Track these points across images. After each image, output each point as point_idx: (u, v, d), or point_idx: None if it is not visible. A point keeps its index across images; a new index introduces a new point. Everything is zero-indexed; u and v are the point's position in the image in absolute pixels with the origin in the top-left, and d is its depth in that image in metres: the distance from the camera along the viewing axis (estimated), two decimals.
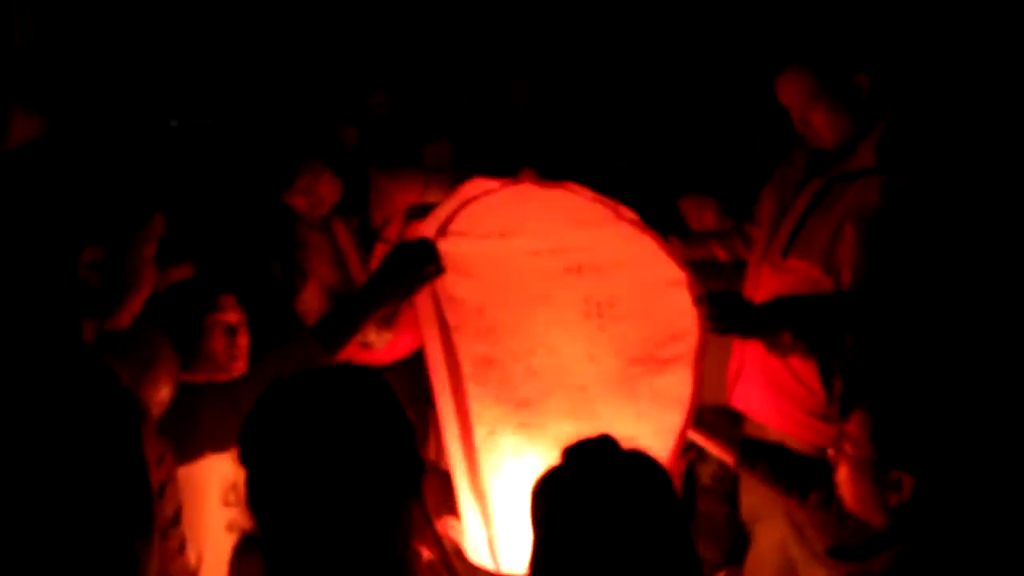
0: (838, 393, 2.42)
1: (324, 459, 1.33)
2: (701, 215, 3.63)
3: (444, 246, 2.05)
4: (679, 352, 2.23)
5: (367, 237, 2.97)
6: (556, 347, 2.12)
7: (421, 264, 2.01)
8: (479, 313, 2.08)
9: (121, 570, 1.33)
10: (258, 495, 1.37)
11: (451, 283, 2.07)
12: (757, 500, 2.66)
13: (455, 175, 2.93)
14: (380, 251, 2.89)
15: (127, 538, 1.34)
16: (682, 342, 2.24)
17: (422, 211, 2.77)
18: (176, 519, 1.64)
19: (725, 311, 2.26)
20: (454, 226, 2.09)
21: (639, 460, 1.52)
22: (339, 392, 1.40)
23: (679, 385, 2.22)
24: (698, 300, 2.20)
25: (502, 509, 2.10)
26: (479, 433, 2.12)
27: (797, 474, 2.17)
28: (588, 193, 2.25)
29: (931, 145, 2.44)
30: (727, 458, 2.25)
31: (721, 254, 2.86)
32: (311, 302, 2.91)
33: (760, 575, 2.68)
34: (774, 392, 2.54)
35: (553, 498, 1.50)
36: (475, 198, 2.16)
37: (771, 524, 2.61)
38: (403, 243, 2.04)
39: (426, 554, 1.79)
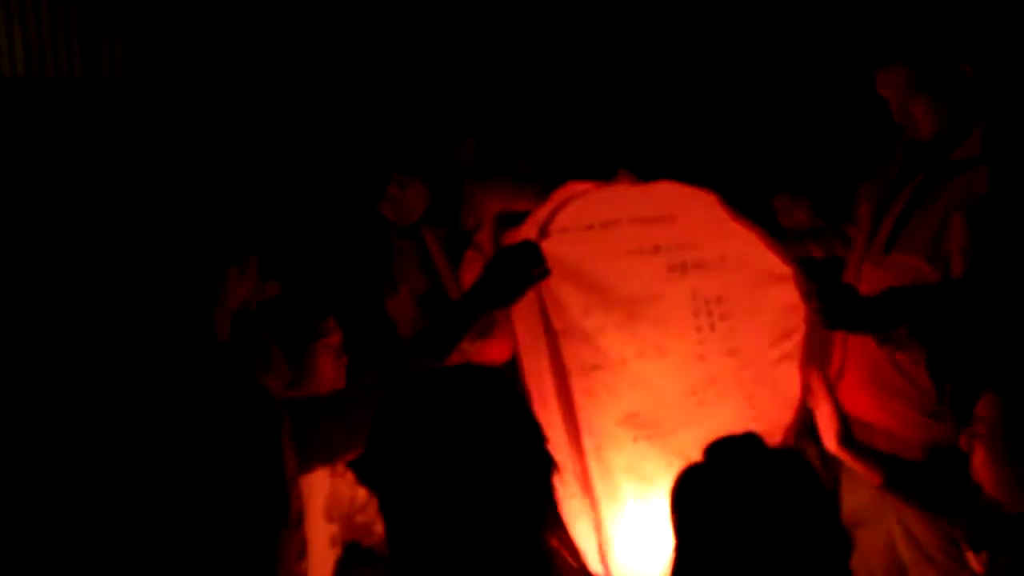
0: (949, 389, 2.35)
1: (458, 459, 1.31)
2: (793, 213, 3.55)
3: (547, 247, 1.98)
4: (789, 350, 2.17)
5: (457, 245, 2.94)
6: (665, 349, 2.05)
7: (526, 267, 1.95)
8: (585, 315, 2.01)
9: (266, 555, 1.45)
10: (391, 501, 1.35)
11: (555, 286, 2.00)
12: (862, 503, 2.57)
13: (543, 182, 2.97)
14: (470, 258, 2.86)
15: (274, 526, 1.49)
16: (791, 339, 2.18)
17: (512, 219, 2.77)
18: (298, 523, 1.63)
19: (835, 305, 2.18)
20: (555, 225, 2.03)
21: (788, 457, 1.47)
22: (467, 391, 1.38)
23: (790, 384, 2.16)
24: (807, 295, 2.13)
25: (614, 519, 2.03)
26: (588, 445, 2.05)
27: (945, 499, 2.09)
28: (688, 188, 2.19)
29: None
30: (873, 477, 2.17)
31: (817, 252, 2.77)
32: (403, 310, 2.91)
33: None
34: (880, 390, 2.43)
35: (697, 498, 1.44)
36: (573, 198, 2.11)
37: (877, 527, 2.51)
38: (506, 247, 1.98)
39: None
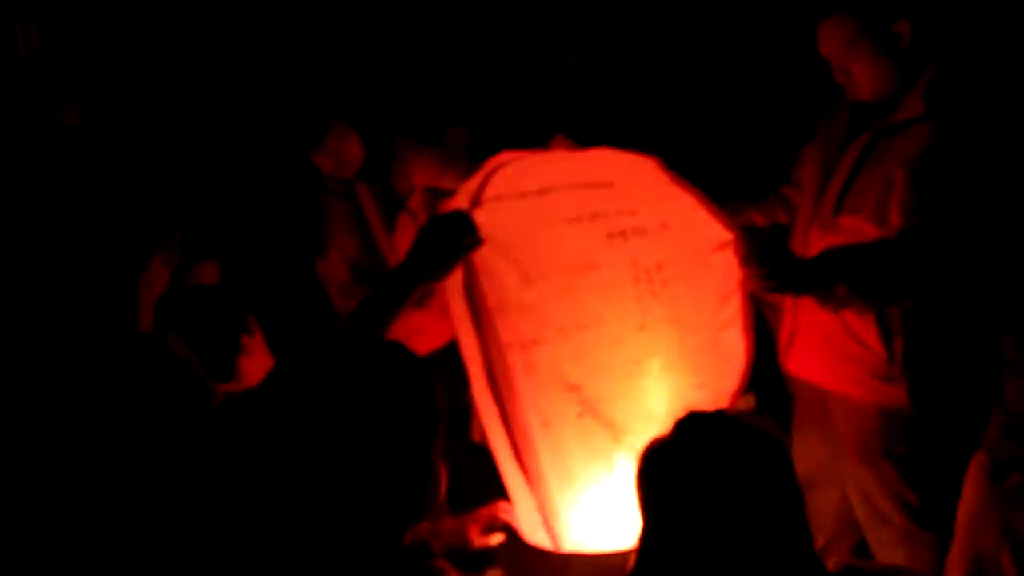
0: (900, 351, 2.33)
1: (330, 436, 1.29)
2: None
3: (480, 216, 1.90)
4: (730, 315, 2.13)
5: (390, 205, 2.92)
6: (605, 318, 1.98)
7: (457, 237, 1.87)
8: (522, 287, 1.93)
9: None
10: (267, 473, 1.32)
11: (490, 257, 1.92)
12: (814, 466, 2.58)
13: (473, 166, 2.94)
14: (403, 221, 2.85)
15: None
16: (732, 304, 2.13)
17: (441, 195, 2.73)
18: None
19: (775, 269, 2.15)
20: (487, 193, 1.95)
21: (757, 435, 1.44)
22: (353, 367, 1.36)
23: (735, 349, 2.11)
24: (746, 261, 2.09)
25: (564, 495, 1.97)
26: (533, 423, 1.98)
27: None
28: (626, 154, 2.13)
29: (979, 92, 2.35)
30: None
31: (759, 220, 2.74)
32: (333, 271, 2.85)
33: (819, 537, 2.60)
34: (832, 355, 2.43)
35: (665, 471, 1.43)
36: (504, 164, 2.03)
37: (829, 489, 2.57)
38: (436, 217, 1.90)
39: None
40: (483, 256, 1.91)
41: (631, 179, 2.07)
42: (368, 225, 2.90)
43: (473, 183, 2.01)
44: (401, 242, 2.93)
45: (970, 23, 2.92)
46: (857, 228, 2.32)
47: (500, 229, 1.92)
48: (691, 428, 1.46)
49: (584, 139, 2.18)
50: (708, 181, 2.21)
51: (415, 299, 1.97)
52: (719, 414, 1.48)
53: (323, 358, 1.37)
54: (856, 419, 2.43)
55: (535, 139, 2.25)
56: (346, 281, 2.85)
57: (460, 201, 1.99)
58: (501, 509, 2.03)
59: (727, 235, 2.10)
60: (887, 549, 2.43)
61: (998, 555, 1.99)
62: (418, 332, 2.82)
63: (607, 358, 1.99)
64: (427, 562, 1.37)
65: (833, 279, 2.24)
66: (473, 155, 3.89)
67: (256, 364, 2.23)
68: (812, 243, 2.42)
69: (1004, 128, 2.31)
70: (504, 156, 2.09)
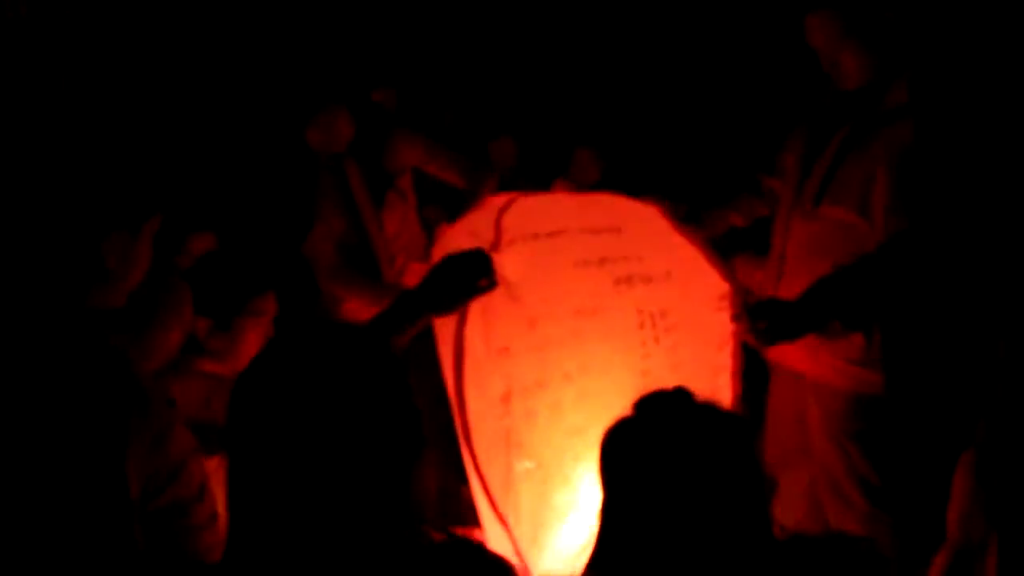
0: (877, 338, 2.38)
1: (306, 427, 1.21)
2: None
3: (496, 258, 1.91)
4: (724, 362, 2.17)
5: (379, 183, 2.98)
6: (609, 363, 2.01)
7: (474, 278, 1.88)
8: (530, 329, 1.95)
9: None
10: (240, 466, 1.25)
11: (499, 298, 1.93)
12: (784, 449, 2.62)
13: (460, 160, 3.06)
14: (391, 199, 2.93)
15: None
16: (724, 352, 2.17)
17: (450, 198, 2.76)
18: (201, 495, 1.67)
19: (768, 323, 2.20)
20: (503, 236, 1.96)
21: (715, 412, 1.47)
22: (331, 354, 1.27)
23: (723, 394, 2.15)
24: (738, 317, 2.14)
25: (538, 531, 1.98)
26: (521, 466, 1.99)
27: None
28: (631, 200, 2.16)
29: (962, 83, 2.43)
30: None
31: (739, 221, 2.78)
32: (319, 245, 2.88)
33: (789, 518, 2.64)
34: (810, 341, 2.42)
35: (626, 450, 1.45)
36: (513, 202, 2.05)
37: (798, 472, 2.60)
38: (455, 254, 1.90)
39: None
40: (493, 297, 1.92)
41: (637, 225, 2.10)
42: (355, 202, 2.94)
43: (485, 222, 2.01)
44: (388, 219, 2.98)
45: (954, 16, 3.01)
46: (839, 217, 2.36)
47: (512, 270, 1.93)
48: (652, 407, 1.48)
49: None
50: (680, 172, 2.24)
51: (418, 327, 1.97)
52: (679, 392, 1.49)
53: (301, 350, 1.30)
54: (829, 402, 2.47)
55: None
56: (333, 263, 2.88)
57: (463, 234, 2.00)
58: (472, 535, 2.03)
59: (725, 286, 2.15)
60: (849, 530, 2.47)
61: (985, 552, 2.03)
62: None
63: (609, 402, 2.00)
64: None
65: (826, 320, 2.29)
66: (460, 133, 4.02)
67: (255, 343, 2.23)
68: (795, 231, 2.46)
69: (985, 120, 2.40)
70: (511, 195, 2.12)
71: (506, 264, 1.89)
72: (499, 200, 2.09)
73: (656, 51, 4.67)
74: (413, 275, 3.12)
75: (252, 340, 2.23)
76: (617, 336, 2.02)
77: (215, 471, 1.86)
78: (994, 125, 2.47)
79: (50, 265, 1.59)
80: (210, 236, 2.99)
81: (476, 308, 1.92)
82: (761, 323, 2.16)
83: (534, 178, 4.18)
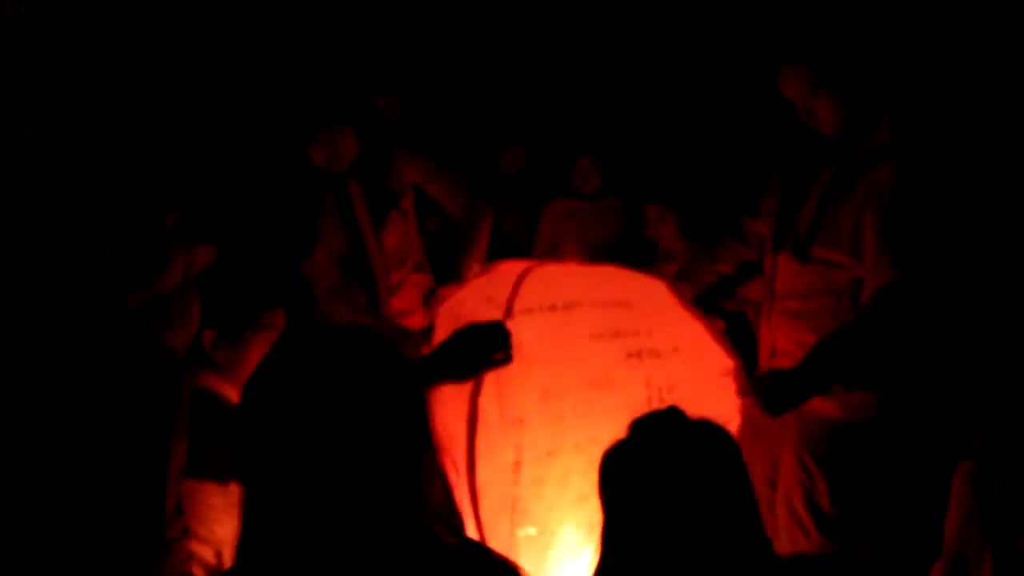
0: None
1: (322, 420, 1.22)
2: (660, 226, 3.69)
3: (511, 327, 1.95)
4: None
5: (382, 202, 3.02)
6: (619, 435, 2.04)
7: (490, 350, 1.91)
8: (544, 399, 1.98)
9: None
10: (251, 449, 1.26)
11: (515, 367, 1.97)
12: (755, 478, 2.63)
13: (461, 187, 3.13)
14: (393, 218, 2.98)
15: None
16: (731, 427, 2.21)
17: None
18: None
19: (771, 396, 2.25)
20: (519, 304, 2.01)
21: (707, 429, 1.55)
22: (342, 355, 1.28)
23: None
24: (743, 392, 2.19)
25: None
26: (524, 532, 2.02)
27: None
28: (640, 275, 2.22)
29: (943, 122, 2.48)
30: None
31: (725, 268, 2.80)
32: (321, 269, 2.87)
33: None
34: None
35: (623, 471, 1.53)
36: (530, 271, 2.10)
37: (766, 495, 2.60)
38: (473, 325, 1.93)
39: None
40: (509, 366, 1.96)
41: (647, 300, 2.16)
42: (356, 221, 2.95)
43: (501, 288, 2.06)
44: (388, 236, 3.03)
45: (930, 55, 3.09)
46: (832, 260, 2.39)
47: (528, 340, 1.97)
48: (646, 427, 1.56)
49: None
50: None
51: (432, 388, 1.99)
52: (672, 410, 1.58)
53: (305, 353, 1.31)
54: (811, 424, 2.48)
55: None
56: (335, 283, 2.87)
57: (489, 305, 2.04)
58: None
59: (730, 363, 2.20)
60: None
61: (981, 562, 2.04)
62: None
63: None
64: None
65: (826, 385, 2.33)
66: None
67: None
68: (785, 274, 2.49)
69: (967, 157, 2.45)
70: (515, 264, 2.17)
71: (518, 331, 1.93)
72: (515, 268, 2.14)
73: (655, 59, 4.77)
74: (414, 288, 3.16)
75: (256, 354, 2.21)
76: (627, 409, 2.02)
77: None
78: (976, 161, 2.52)
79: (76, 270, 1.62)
80: (212, 248, 2.94)
81: (491, 377, 1.95)
82: (762, 397, 2.21)
83: (538, 187, 4.26)
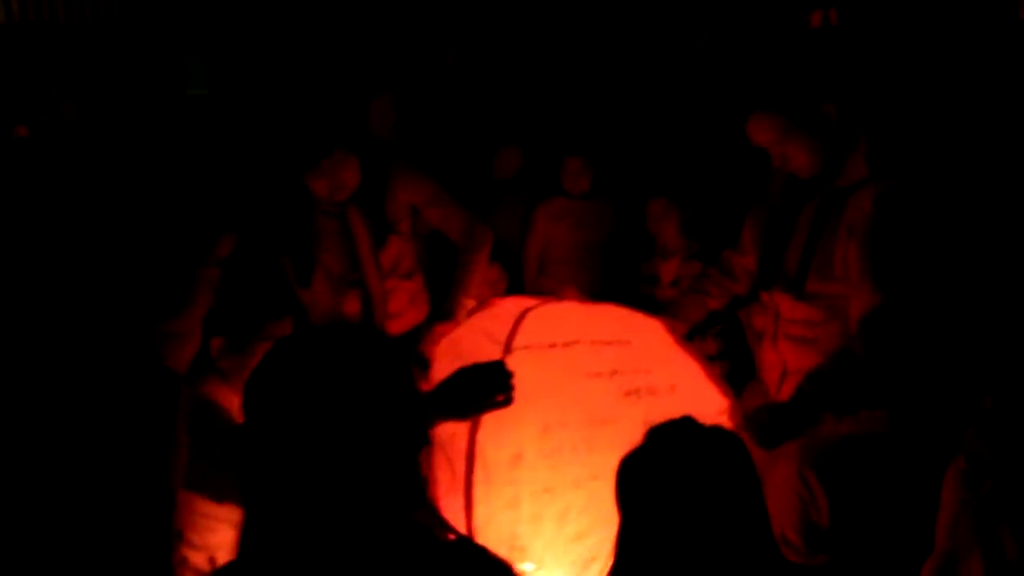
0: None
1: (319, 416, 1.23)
2: (663, 224, 3.72)
3: (510, 363, 1.97)
4: None
5: (380, 226, 3.04)
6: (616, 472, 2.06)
7: (491, 391, 1.93)
8: (543, 435, 2.00)
9: None
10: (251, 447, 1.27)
11: (516, 405, 1.98)
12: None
13: (461, 213, 3.11)
14: (392, 242, 3.02)
15: None
16: None
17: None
18: None
19: (765, 432, 2.28)
20: (517, 341, 2.03)
21: (720, 436, 1.62)
22: (342, 352, 1.29)
23: None
24: (739, 428, 2.21)
25: None
26: (520, 569, 2.01)
27: None
28: (637, 313, 2.25)
29: (921, 148, 2.50)
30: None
31: (715, 304, 2.82)
32: (318, 292, 2.85)
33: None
34: None
35: (639, 478, 1.59)
36: (530, 311, 2.12)
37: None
38: (477, 365, 1.95)
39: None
40: (512, 406, 1.98)
41: (645, 339, 2.19)
42: (356, 246, 2.96)
43: (501, 325, 2.08)
44: (385, 256, 3.06)
45: (897, 87, 3.12)
46: (828, 292, 2.41)
47: (527, 378, 1.99)
48: (661, 435, 1.63)
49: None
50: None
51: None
52: (685, 420, 1.65)
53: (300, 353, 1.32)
54: (813, 443, 2.46)
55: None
56: (330, 310, 2.86)
57: (489, 340, 2.06)
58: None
59: (725, 402, 2.23)
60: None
61: (971, 560, 2.04)
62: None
63: (612, 512, 2.05)
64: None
65: (817, 417, 2.35)
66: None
67: None
68: (784, 309, 2.51)
69: (946, 182, 2.47)
70: (515, 303, 2.21)
71: (518, 368, 1.95)
72: (514, 305, 2.17)
73: (646, 60, 4.83)
74: (403, 293, 3.19)
75: None
76: (626, 446, 2.06)
77: None
78: (957, 186, 2.54)
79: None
80: (231, 238, 2.84)
81: (490, 415, 1.97)
82: (758, 432, 2.24)
83: (531, 187, 4.29)
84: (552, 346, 2.05)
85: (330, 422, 1.23)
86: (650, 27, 4.86)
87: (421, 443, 1.32)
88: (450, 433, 2.00)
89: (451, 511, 2.01)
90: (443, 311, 2.88)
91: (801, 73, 2.46)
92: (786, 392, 2.54)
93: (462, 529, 2.00)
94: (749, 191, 2.83)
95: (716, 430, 1.65)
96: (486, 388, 1.91)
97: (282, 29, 4.58)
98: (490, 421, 1.98)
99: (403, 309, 3.11)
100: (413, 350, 2.47)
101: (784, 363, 2.56)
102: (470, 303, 2.80)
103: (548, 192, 4.19)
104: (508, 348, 2.01)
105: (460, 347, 2.22)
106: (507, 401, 1.92)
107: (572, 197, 4.11)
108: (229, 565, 1.29)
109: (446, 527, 1.77)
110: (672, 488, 1.55)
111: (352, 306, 2.93)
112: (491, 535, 2.01)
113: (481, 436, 1.99)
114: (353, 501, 1.23)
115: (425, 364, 2.32)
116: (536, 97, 4.92)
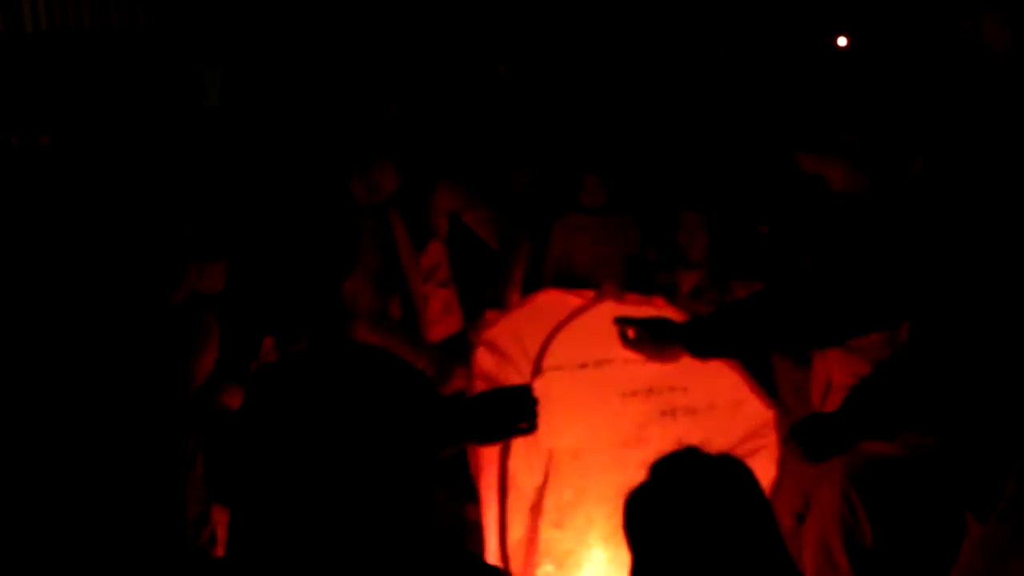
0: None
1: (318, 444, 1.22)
2: (696, 235, 3.69)
3: (540, 385, 1.95)
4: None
5: (420, 231, 3.08)
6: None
7: (516, 419, 1.90)
8: (573, 459, 1.99)
9: None
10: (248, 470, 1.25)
11: (545, 432, 1.95)
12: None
13: (499, 219, 3.17)
14: (433, 249, 3.05)
15: None
16: (765, 479, 2.19)
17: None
18: None
19: (813, 444, 2.22)
20: (548, 361, 2.00)
21: (726, 464, 1.58)
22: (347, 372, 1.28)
23: None
24: (786, 441, 2.15)
25: None
26: (543, 569, 2.03)
27: None
28: (674, 311, 2.19)
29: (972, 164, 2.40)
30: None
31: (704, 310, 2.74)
32: (357, 290, 2.91)
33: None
34: None
35: (646, 514, 1.55)
36: (562, 327, 2.09)
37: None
38: (503, 390, 1.92)
39: None
40: (540, 425, 1.95)
41: (683, 352, 2.13)
42: (396, 248, 3.00)
43: (533, 336, 2.06)
44: (425, 260, 3.11)
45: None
46: None
47: (558, 399, 1.96)
48: (667, 468, 1.60)
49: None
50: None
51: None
52: (689, 451, 1.61)
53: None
54: (858, 463, 2.42)
55: None
56: (372, 308, 2.91)
57: (518, 346, 2.05)
58: None
59: (768, 413, 2.17)
60: None
61: None
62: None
63: None
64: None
65: (866, 430, 2.25)
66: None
67: None
68: None
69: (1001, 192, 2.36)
70: (552, 299, 2.20)
71: (547, 390, 1.91)
72: (554, 298, 2.20)
73: (663, 74, 4.76)
74: (437, 300, 3.22)
75: None
76: None
77: None
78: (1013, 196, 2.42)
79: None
80: (222, 266, 2.99)
81: (520, 440, 1.96)
82: (804, 446, 2.18)
83: (547, 203, 4.30)
84: (583, 366, 2.01)
85: (323, 439, 1.22)
86: (668, 38, 4.75)
87: (426, 462, 1.31)
88: (484, 455, 1.99)
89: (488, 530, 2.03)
90: (495, 297, 2.91)
91: (827, 98, 2.36)
92: (829, 406, 2.47)
93: (496, 548, 2.00)
94: (761, 201, 2.76)
95: (722, 459, 1.60)
96: (510, 415, 1.88)
97: (312, 38, 4.59)
98: (520, 450, 1.97)
99: (437, 318, 3.13)
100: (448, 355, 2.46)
101: (829, 376, 2.50)
102: (516, 297, 2.87)
103: (564, 207, 4.17)
104: (538, 368, 1.97)
105: (498, 344, 2.19)
106: (531, 428, 1.89)
107: (589, 212, 4.08)
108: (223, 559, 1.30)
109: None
110: (679, 522, 1.52)
111: (393, 309, 2.94)
112: (524, 556, 2.02)
113: (512, 464, 1.99)
114: (345, 518, 1.22)
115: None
116: (556, 110, 4.85)
